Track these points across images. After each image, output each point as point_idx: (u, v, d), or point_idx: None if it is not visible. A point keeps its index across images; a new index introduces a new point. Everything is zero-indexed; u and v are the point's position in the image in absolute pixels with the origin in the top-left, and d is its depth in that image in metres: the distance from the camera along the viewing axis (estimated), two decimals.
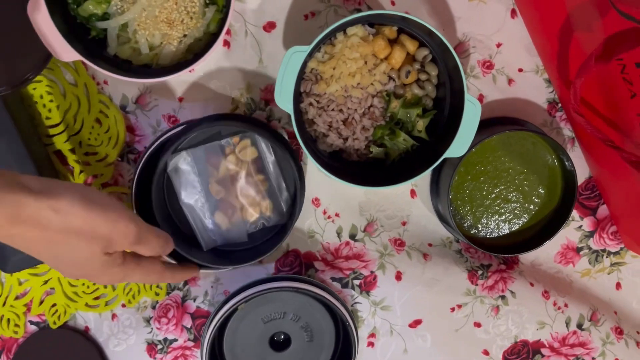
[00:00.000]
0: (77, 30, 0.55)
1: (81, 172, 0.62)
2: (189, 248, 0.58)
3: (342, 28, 0.56)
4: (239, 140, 0.59)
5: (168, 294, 0.65)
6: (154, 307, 0.65)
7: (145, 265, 0.49)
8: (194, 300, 0.65)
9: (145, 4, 0.53)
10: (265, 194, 0.60)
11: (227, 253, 0.61)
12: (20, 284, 0.64)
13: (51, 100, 0.61)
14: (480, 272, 0.65)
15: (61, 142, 0.62)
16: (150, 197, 0.57)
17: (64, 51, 0.52)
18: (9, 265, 0.61)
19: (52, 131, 0.61)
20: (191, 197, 0.59)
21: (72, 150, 0.62)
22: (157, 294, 0.65)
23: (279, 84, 0.53)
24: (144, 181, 0.58)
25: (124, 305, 0.65)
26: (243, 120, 0.60)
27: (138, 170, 0.57)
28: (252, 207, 0.60)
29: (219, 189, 0.60)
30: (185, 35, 0.56)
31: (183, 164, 0.59)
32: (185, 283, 0.65)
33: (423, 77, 0.59)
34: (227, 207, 0.60)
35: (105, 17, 0.55)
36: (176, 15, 0.54)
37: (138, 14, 0.54)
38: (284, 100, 0.54)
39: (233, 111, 0.62)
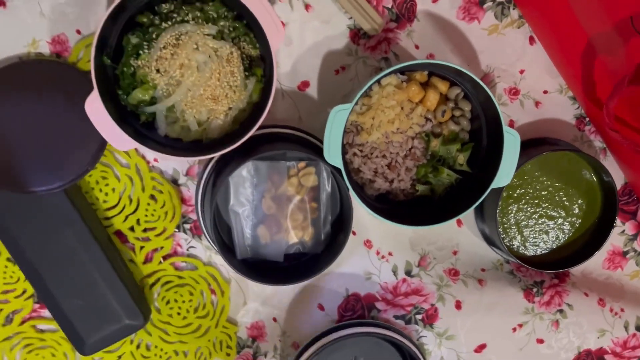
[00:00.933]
0: (128, 117, 0.58)
1: (142, 248, 0.65)
2: (224, 253, 0.59)
3: (377, 80, 0.59)
4: (305, 166, 0.62)
5: (238, 352, 0.67)
6: None
7: None
8: (265, 356, 0.67)
9: (190, 85, 0.56)
10: (311, 222, 0.63)
11: (258, 269, 0.62)
12: None
13: (107, 185, 0.63)
14: (535, 290, 0.67)
15: (120, 222, 0.64)
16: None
17: (121, 141, 0.55)
18: (86, 348, 0.62)
19: (110, 213, 0.64)
20: (241, 205, 0.61)
21: (131, 229, 0.64)
22: (228, 355, 0.67)
23: (327, 142, 0.56)
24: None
25: None
26: (312, 148, 0.61)
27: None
28: (296, 230, 0.62)
29: (271, 205, 0.61)
30: (230, 108, 0.58)
31: (244, 172, 0.60)
32: (254, 340, 0.67)
33: (457, 113, 0.61)
34: (272, 224, 0.62)
35: (153, 101, 0.57)
36: (220, 91, 0.57)
37: (184, 95, 0.56)
38: (333, 157, 0.56)
39: None
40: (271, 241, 0.62)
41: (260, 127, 0.60)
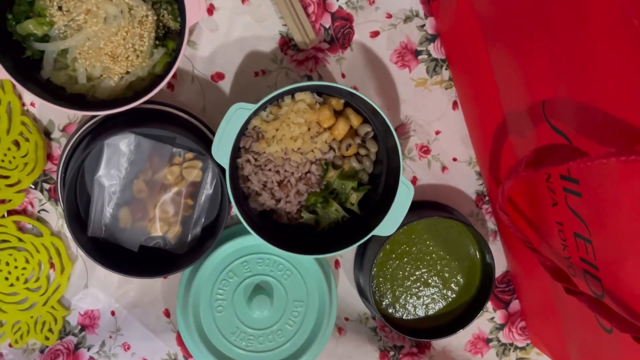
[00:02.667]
0: (11, 46, 0.52)
1: None
2: (72, 224, 0.53)
3: (291, 92, 0.56)
4: (192, 157, 0.57)
5: (61, 338, 0.59)
6: (42, 352, 0.59)
7: None
8: (88, 350, 0.60)
9: (91, 34, 0.51)
10: (181, 219, 0.57)
11: (108, 252, 0.56)
12: None
13: None
14: (392, 354, 0.64)
15: None
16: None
17: None
18: None
19: None
20: (109, 178, 0.55)
21: None
22: (47, 338, 0.59)
23: (218, 138, 0.52)
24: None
25: (10, 345, 0.59)
26: (205, 142, 0.56)
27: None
28: (162, 223, 0.57)
29: (143, 188, 0.56)
30: (128, 72, 0.53)
31: (124, 144, 0.54)
32: (82, 329, 0.60)
33: (363, 152, 0.59)
34: (138, 209, 0.56)
35: (45, 38, 0.52)
36: (122, 51, 0.52)
37: (81, 42, 0.51)
38: (221, 155, 0.52)
39: None
40: (131, 227, 0.56)
41: (157, 103, 0.56)
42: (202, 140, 0.56)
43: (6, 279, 0.58)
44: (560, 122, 0.47)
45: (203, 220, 0.58)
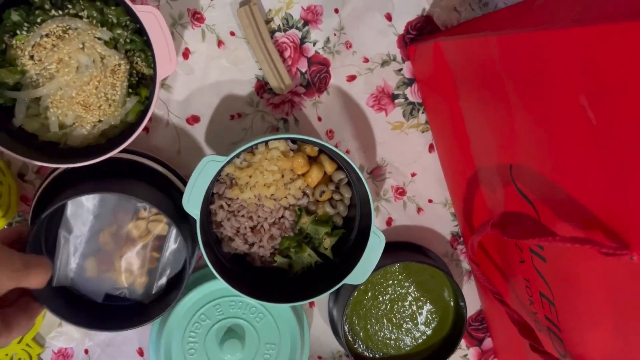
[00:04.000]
0: None
1: None
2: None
3: (265, 141, 0.56)
4: (157, 212, 0.57)
5: None
6: None
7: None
8: None
9: (63, 83, 0.51)
10: (147, 271, 0.58)
11: (73, 301, 0.56)
12: None
13: None
14: None
15: None
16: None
17: None
18: None
19: None
20: (75, 230, 0.55)
21: None
22: None
23: (189, 190, 0.52)
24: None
25: None
26: (175, 194, 0.57)
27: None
28: (127, 274, 0.57)
29: (108, 241, 0.56)
30: (100, 121, 0.53)
31: (87, 199, 0.55)
32: None
33: (337, 197, 0.59)
34: (104, 261, 0.56)
35: (17, 86, 0.52)
36: (94, 100, 0.52)
37: (53, 91, 0.51)
38: (192, 206, 0.52)
39: None
40: (97, 278, 0.57)
41: (129, 152, 0.56)
42: (171, 195, 0.57)
43: None
44: (526, 187, 0.47)
45: (168, 271, 0.58)
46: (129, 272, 0.56)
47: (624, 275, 0.38)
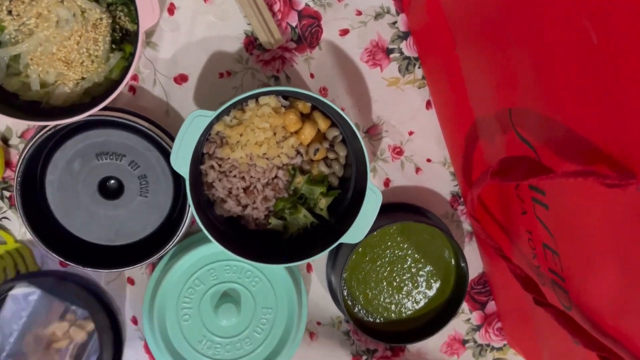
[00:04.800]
0: None
1: None
2: None
3: (255, 97, 0.54)
4: (86, 317, 0.55)
5: None
6: None
7: None
8: None
9: (43, 39, 0.49)
10: None
11: None
12: None
13: None
14: (364, 358, 0.64)
15: None
16: None
17: None
18: None
19: None
20: (5, 328, 0.54)
21: None
22: None
23: (177, 147, 0.50)
24: None
25: None
26: (99, 304, 0.56)
27: None
28: None
29: (30, 342, 0.54)
30: (83, 78, 0.52)
31: (25, 298, 0.54)
32: None
33: (331, 155, 0.58)
34: None
35: None
36: (76, 56, 0.50)
37: (33, 47, 0.49)
38: (180, 164, 0.51)
39: None
40: None
41: (115, 110, 0.54)
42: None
43: None
44: (526, 131, 0.45)
45: None
46: None
47: (629, 213, 0.36)
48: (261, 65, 0.59)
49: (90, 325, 0.55)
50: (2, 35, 0.49)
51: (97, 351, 0.55)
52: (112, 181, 0.56)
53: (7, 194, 0.57)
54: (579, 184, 0.40)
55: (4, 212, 0.58)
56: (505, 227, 0.57)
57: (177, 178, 0.57)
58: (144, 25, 0.48)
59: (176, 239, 0.55)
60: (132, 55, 0.52)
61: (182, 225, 0.54)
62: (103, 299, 0.58)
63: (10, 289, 0.53)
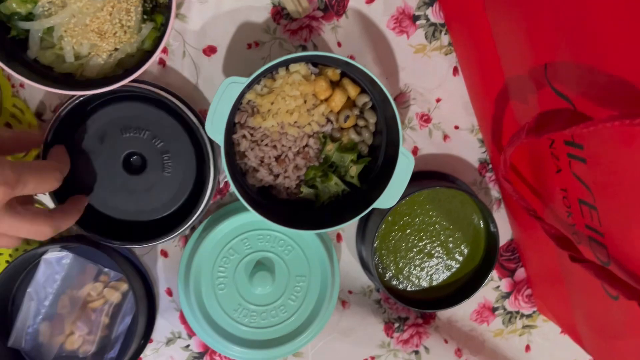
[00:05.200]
0: None
1: None
2: None
3: (285, 64, 0.54)
4: (119, 278, 0.56)
5: None
6: None
7: (25, 212, 0.43)
8: None
9: (76, 10, 0.50)
10: (98, 340, 0.56)
11: None
12: None
13: None
14: (396, 325, 0.64)
15: None
16: None
17: None
18: None
19: None
20: (39, 293, 0.55)
21: None
22: None
23: (211, 114, 0.50)
24: None
25: None
26: (133, 269, 0.57)
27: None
28: (72, 337, 0.56)
29: (66, 304, 0.55)
30: (116, 49, 0.52)
31: (58, 261, 0.54)
32: None
33: (361, 123, 0.58)
34: (57, 325, 0.56)
35: (29, 17, 0.50)
36: (109, 27, 0.51)
37: (66, 19, 0.50)
38: (215, 131, 0.51)
39: None
40: (48, 342, 0.56)
41: (145, 83, 0.55)
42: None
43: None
44: (563, 85, 0.45)
45: (118, 348, 0.57)
46: (77, 337, 0.55)
47: None
48: (288, 34, 0.59)
49: (124, 286, 0.55)
50: (36, 8, 0.50)
51: (132, 311, 0.55)
52: (135, 156, 0.56)
53: None
54: (618, 133, 0.40)
55: None
56: (537, 188, 0.57)
57: (199, 154, 0.57)
58: None
59: (198, 213, 0.55)
60: (163, 25, 0.53)
61: (203, 199, 0.55)
62: (136, 264, 0.58)
63: (44, 253, 0.54)
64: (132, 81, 0.52)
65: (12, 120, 0.56)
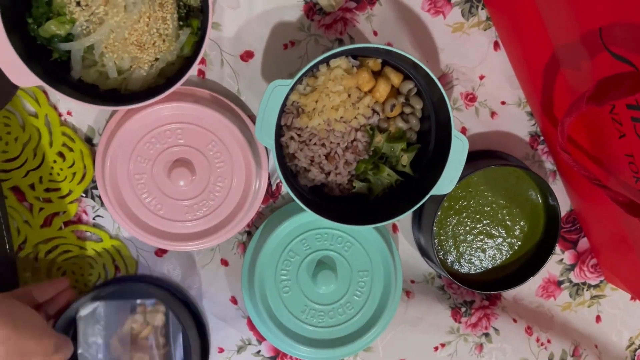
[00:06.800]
0: (37, 52, 0.49)
1: (41, 209, 0.56)
2: None
3: (326, 60, 0.52)
4: (155, 302, 0.55)
5: None
6: None
7: None
8: None
9: (114, 25, 0.48)
10: (160, 358, 0.56)
11: None
12: None
13: (8, 133, 0.54)
14: (463, 309, 0.62)
15: (19, 178, 0.55)
16: None
17: (22, 75, 0.46)
18: None
19: (9, 166, 0.55)
20: (91, 348, 0.54)
21: (32, 186, 0.55)
22: None
23: (260, 119, 0.49)
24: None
25: None
26: (159, 287, 0.57)
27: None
28: None
29: (116, 346, 0.55)
30: (157, 59, 0.50)
31: (93, 315, 0.54)
32: None
33: (407, 110, 0.55)
34: None
35: (69, 38, 0.49)
36: (147, 38, 0.49)
37: (105, 35, 0.48)
38: (265, 136, 0.49)
39: None
40: None
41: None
42: (155, 284, 0.56)
43: (74, 287, 0.58)
44: (622, 48, 0.42)
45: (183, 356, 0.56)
46: None
47: None
48: (323, 29, 0.56)
49: (162, 307, 0.54)
50: (74, 27, 0.48)
51: (178, 326, 0.54)
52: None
53: (97, 192, 0.57)
54: None
55: (97, 210, 0.57)
56: (598, 157, 0.53)
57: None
58: None
59: (252, 212, 0.53)
60: (200, 29, 0.51)
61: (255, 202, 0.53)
62: (165, 286, 0.58)
63: (77, 312, 0.53)
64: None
65: (63, 149, 0.55)
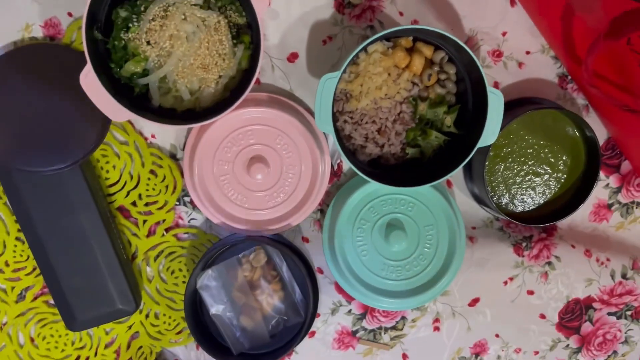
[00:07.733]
0: (122, 90, 0.56)
1: (145, 222, 0.64)
2: (221, 355, 0.61)
3: (363, 48, 0.58)
4: (254, 250, 0.63)
5: None
6: None
7: None
8: None
9: (180, 55, 0.55)
10: (279, 290, 0.63)
11: (256, 356, 0.63)
12: (106, 333, 0.66)
13: (107, 162, 0.62)
14: (524, 244, 0.67)
15: (122, 198, 0.63)
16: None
17: (115, 111, 0.53)
18: (76, 324, 0.62)
19: (112, 190, 0.63)
20: (219, 308, 0.62)
21: (134, 204, 0.63)
22: None
23: (318, 110, 0.55)
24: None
25: None
26: (259, 240, 0.63)
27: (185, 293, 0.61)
28: (266, 301, 0.63)
29: (239, 295, 0.62)
30: (220, 76, 0.57)
31: (209, 280, 0.61)
32: None
33: (443, 76, 0.60)
34: (249, 310, 0.63)
35: (145, 73, 0.56)
36: (209, 60, 0.56)
37: (175, 65, 0.55)
38: (324, 123, 0.55)
39: None
40: (255, 325, 0.63)
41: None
42: (257, 240, 0.62)
43: (183, 282, 0.66)
44: None
45: (297, 287, 0.63)
46: (266, 300, 0.63)
47: None
48: (355, 20, 0.62)
49: (261, 249, 0.62)
50: (148, 63, 0.56)
51: (281, 259, 0.62)
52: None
53: (187, 199, 0.64)
54: None
55: (190, 214, 0.65)
56: (623, 85, 0.57)
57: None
58: (259, 10, 0.52)
59: (322, 192, 0.61)
60: (252, 43, 0.57)
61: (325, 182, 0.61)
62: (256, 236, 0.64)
63: (196, 284, 0.61)
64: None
65: (154, 167, 0.63)
